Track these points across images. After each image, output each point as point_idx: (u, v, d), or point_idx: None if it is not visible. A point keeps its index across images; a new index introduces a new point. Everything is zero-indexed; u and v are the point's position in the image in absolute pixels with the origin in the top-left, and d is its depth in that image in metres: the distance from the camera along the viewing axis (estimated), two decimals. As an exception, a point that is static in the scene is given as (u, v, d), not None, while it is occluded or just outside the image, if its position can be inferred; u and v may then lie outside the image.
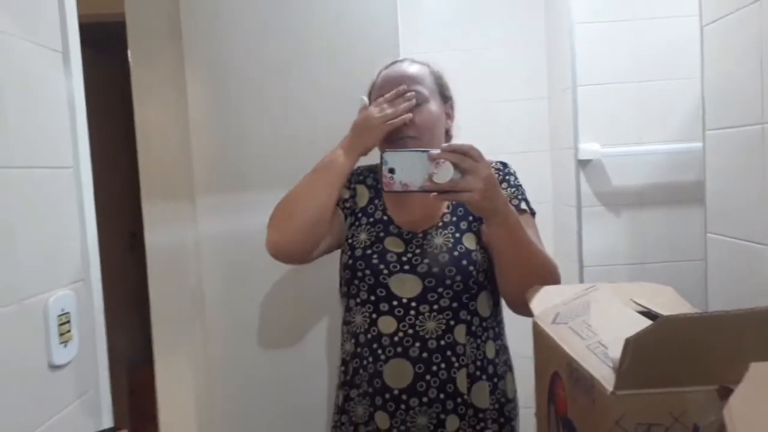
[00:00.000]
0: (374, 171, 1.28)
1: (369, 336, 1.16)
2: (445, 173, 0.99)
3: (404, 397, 1.14)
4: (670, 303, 0.99)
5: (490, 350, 1.19)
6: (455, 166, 1.00)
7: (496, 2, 2.08)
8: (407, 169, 1.01)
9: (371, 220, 1.22)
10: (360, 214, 1.24)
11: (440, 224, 1.19)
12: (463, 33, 2.09)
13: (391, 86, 1.19)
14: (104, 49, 2.50)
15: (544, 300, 1.04)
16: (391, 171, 1.02)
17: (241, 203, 1.52)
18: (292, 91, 1.51)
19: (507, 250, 1.09)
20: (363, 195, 1.27)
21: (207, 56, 1.50)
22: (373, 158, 1.31)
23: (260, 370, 1.59)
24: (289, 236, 1.18)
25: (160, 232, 1.54)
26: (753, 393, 0.45)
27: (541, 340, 0.93)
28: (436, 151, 1.00)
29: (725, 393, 0.66)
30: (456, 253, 1.15)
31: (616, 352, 0.74)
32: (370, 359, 1.16)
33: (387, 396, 1.14)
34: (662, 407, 0.67)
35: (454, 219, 1.20)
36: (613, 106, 1.82)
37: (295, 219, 1.17)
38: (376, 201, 1.25)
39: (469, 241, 1.17)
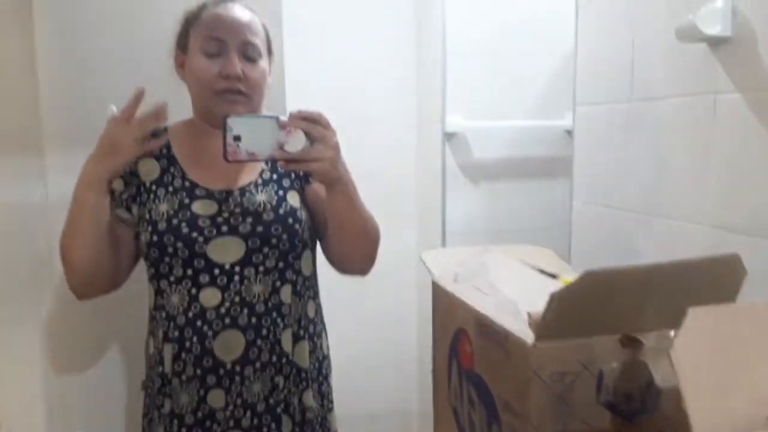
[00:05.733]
0: (158, 134, 1.13)
1: (190, 314, 1.09)
2: (297, 142, 0.96)
3: (238, 368, 1.09)
4: (553, 262, 1.07)
5: (311, 309, 1.19)
6: (305, 133, 0.97)
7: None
8: (255, 136, 0.95)
9: (170, 189, 1.11)
10: (153, 187, 1.12)
11: (260, 181, 1.13)
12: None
13: (224, 30, 1.08)
14: None
15: (438, 262, 1.07)
16: (237, 138, 0.95)
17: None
18: (156, 34, 1.35)
19: (345, 214, 1.08)
20: (151, 168, 1.14)
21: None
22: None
23: (114, 346, 1.46)
24: (79, 286, 1.12)
25: (2, 189, 1.33)
26: (693, 336, 0.49)
27: (444, 298, 0.95)
28: (285, 118, 0.96)
29: (627, 341, 0.73)
30: (281, 211, 1.11)
31: (527, 306, 0.79)
32: (195, 339, 1.08)
33: (220, 372, 1.08)
34: (574, 356, 0.72)
35: (275, 177, 1.15)
36: (477, 80, 1.91)
37: (75, 269, 1.09)
38: (172, 169, 1.13)
39: (293, 199, 1.14)
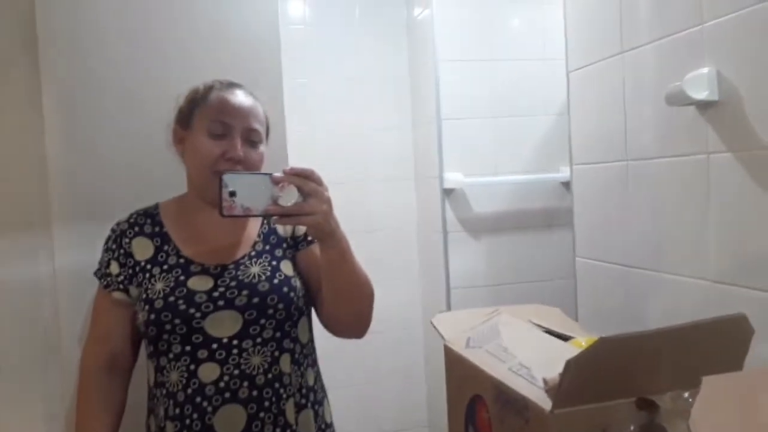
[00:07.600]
0: (151, 215, 1.19)
1: (189, 391, 1.07)
2: (290, 196, 0.99)
3: None
4: (562, 322, 1.08)
5: (311, 377, 1.18)
6: (298, 189, 1.00)
7: (363, 35, 2.16)
8: (249, 192, 0.98)
9: (165, 267, 1.12)
10: (149, 266, 1.13)
11: (253, 253, 1.15)
12: (336, 62, 2.14)
13: (230, 115, 1.12)
14: None
15: (450, 325, 1.08)
16: (232, 194, 0.97)
17: (104, 235, 1.38)
18: (162, 112, 1.40)
19: (339, 270, 1.08)
20: (144, 247, 1.15)
21: (68, 69, 1.36)
22: (147, 201, 1.23)
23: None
24: None
25: (7, 267, 1.34)
26: (709, 403, 0.51)
27: (457, 364, 0.96)
28: (278, 174, 0.99)
29: (642, 404, 0.74)
30: (276, 281, 1.12)
31: (541, 372, 0.80)
32: (195, 416, 1.06)
33: None
34: (592, 421, 0.73)
35: (268, 247, 1.17)
36: (472, 138, 1.97)
37: None
38: (166, 247, 1.15)
39: (287, 268, 1.15)
